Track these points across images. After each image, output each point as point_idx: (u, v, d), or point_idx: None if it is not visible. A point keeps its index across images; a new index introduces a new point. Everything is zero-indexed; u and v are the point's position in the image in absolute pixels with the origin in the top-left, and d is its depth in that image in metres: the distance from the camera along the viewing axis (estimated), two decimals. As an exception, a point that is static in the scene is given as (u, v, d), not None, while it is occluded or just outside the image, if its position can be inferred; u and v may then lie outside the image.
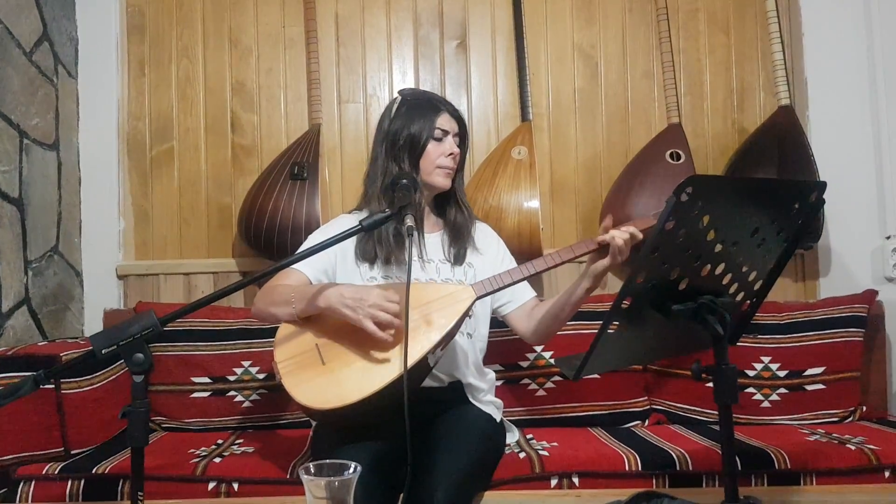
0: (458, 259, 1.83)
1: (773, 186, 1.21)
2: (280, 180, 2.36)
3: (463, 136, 1.87)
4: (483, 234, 1.93)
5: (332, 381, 1.52)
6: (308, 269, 1.75)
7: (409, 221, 1.51)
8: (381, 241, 1.77)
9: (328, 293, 1.56)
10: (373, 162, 1.84)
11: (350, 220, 1.86)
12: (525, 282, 1.85)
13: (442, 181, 1.81)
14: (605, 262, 1.60)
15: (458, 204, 1.88)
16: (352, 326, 1.53)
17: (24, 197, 2.17)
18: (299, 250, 1.45)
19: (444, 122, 1.82)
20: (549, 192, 2.65)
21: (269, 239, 2.32)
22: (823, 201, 1.18)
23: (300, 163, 2.38)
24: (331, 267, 1.80)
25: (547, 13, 2.70)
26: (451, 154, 1.80)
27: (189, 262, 2.59)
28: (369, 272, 1.78)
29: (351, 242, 1.78)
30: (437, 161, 1.80)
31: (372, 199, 1.79)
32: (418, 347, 1.52)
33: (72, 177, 2.50)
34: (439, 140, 1.80)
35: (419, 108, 1.82)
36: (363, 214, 1.79)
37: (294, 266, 1.72)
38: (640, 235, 1.60)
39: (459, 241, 1.85)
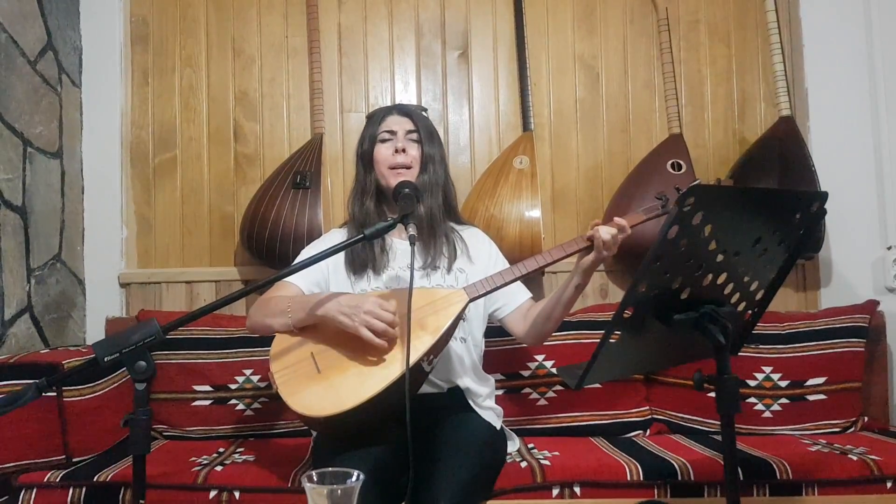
0: (433, 263, 1.79)
1: (775, 196, 1.22)
2: (282, 189, 2.36)
3: (421, 132, 1.83)
4: (474, 238, 1.93)
5: (328, 388, 1.52)
6: (301, 282, 1.78)
7: (412, 230, 1.52)
8: (369, 252, 1.79)
9: (326, 302, 1.57)
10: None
11: (340, 235, 1.90)
12: (520, 283, 1.86)
13: (396, 181, 1.76)
14: (590, 257, 1.63)
15: (425, 201, 1.80)
16: (347, 334, 1.54)
17: (27, 205, 2.18)
18: (293, 263, 1.46)
19: (391, 122, 1.84)
20: (550, 201, 2.66)
21: (271, 248, 2.33)
22: (825, 211, 1.19)
23: (302, 172, 2.39)
24: (323, 279, 1.82)
25: (548, 24, 2.71)
26: (398, 150, 1.80)
27: (191, 271, 2.59)
28: (360, 284, 1.79)
29: (342, 255, 1.80)
30: (386, 161, 1.81)
31: (352, 214, 1.87)
32: (413, 352, 1.52)
33: (75, 185, 2.51)
34: (385, 141, 1.83)
35: (371, 119, 1.89)
36: (351, 229, 1.86)
37: (287, 279, 1.75)
38: (628, 230, 1.61)
39: (430, 243, 1.79)
